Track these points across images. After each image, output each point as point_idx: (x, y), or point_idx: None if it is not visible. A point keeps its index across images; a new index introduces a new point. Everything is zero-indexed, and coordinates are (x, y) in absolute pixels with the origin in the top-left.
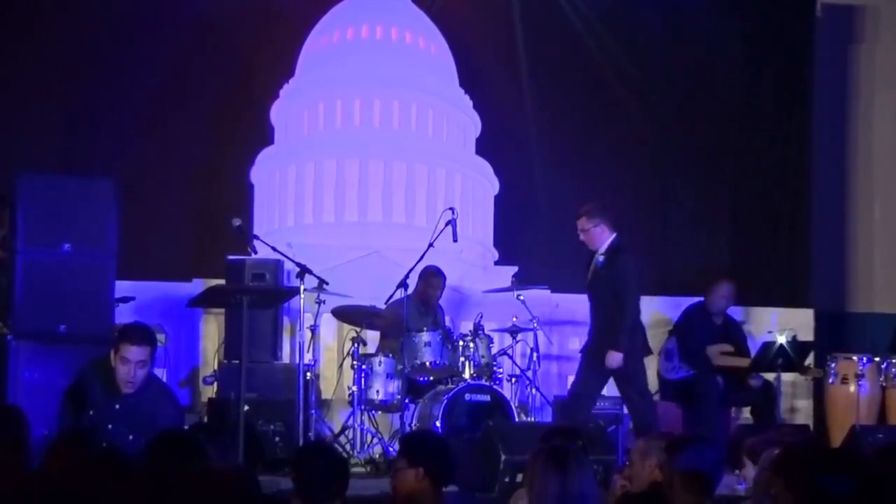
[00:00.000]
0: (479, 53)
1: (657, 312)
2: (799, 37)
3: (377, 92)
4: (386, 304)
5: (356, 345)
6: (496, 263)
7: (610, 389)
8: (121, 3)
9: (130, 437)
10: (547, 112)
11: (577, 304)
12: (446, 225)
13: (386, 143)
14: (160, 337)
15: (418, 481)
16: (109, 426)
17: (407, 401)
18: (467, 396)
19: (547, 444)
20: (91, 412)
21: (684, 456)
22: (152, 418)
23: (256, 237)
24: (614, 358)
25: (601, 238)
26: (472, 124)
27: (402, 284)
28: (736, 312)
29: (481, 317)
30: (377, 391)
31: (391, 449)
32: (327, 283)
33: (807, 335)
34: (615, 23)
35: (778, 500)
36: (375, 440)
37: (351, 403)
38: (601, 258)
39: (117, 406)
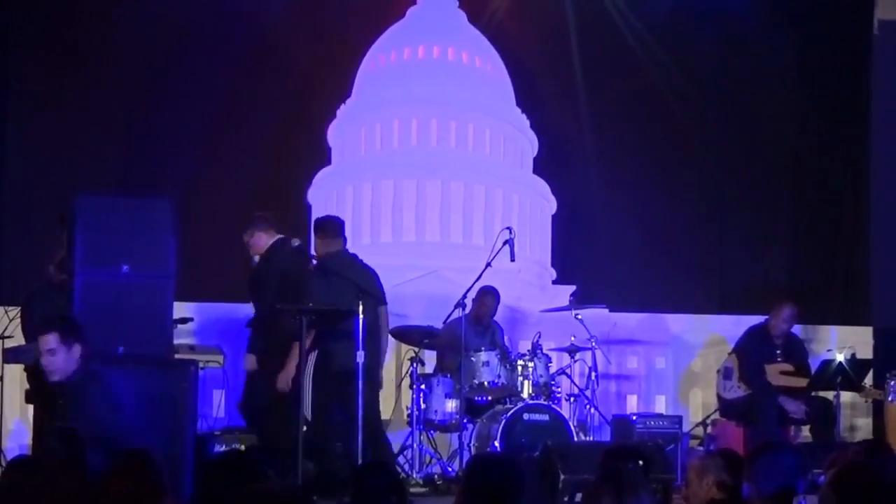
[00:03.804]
0: (535, 72)
1: (715, 333)
2: (855, 53)
3: (434, 112)
4: (444, 323)
5: (414, 365)
6: (554, 282)
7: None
8: (177, 25)
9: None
10: (603, 130)
11: (636, 323)
12: (504, 244)
13: (443, 163)
14: (218, 358)
15: None
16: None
17: (465, 420)
18: (526, 416)
19: (607, 465)
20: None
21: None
22: (82, 406)
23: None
24: (249, 360)
25: (259, 244)
26: (529, 143)
27: (460, 304)
28: (795, 330)
29: (539, 336)
30: (436, 411)
31: (450, 469)
32: (385, 304)
33: (866, 353)
34: (671, 40)
35: None
36: (434, 460)
37: (409, 423)
38: (256, 258)
39: (60, 402)
